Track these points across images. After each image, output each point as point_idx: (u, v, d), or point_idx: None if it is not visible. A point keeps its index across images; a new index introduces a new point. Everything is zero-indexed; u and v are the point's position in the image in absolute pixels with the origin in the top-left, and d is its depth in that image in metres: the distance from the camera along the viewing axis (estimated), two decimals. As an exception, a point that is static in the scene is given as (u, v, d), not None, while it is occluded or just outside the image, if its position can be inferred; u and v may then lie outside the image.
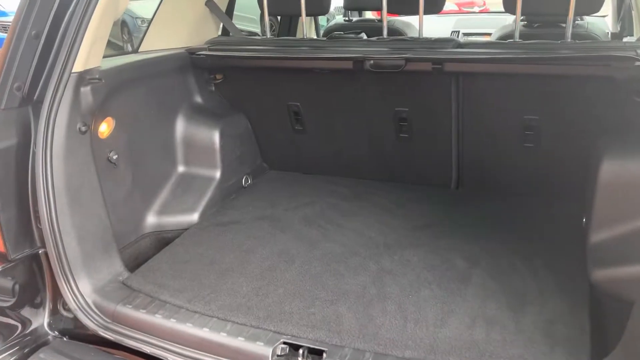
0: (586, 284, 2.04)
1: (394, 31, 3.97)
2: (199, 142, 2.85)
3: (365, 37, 2.90)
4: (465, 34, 5.70)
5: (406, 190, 3.00)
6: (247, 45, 2.87)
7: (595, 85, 2.35)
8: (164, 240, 2.64)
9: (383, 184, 3.09)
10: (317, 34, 4.66)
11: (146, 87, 2.58)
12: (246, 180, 3.13)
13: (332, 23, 4.29)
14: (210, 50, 2.82)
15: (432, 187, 3.02)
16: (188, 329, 1.90)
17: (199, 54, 2.80)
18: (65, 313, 2.11)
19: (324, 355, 1.74)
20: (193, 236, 2.55)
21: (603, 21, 4.06)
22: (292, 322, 1.91)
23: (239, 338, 1.83)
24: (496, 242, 2.39)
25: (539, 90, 2.47)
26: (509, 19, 5.61)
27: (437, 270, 2.20)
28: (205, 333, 1.87)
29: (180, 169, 2.85)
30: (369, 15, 5.38)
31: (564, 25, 3.42)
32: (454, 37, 5.67)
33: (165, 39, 2.92)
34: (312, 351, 1.78)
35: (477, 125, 2.70)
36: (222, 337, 1.85)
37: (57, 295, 2.11)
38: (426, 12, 2.62)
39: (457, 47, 2.53)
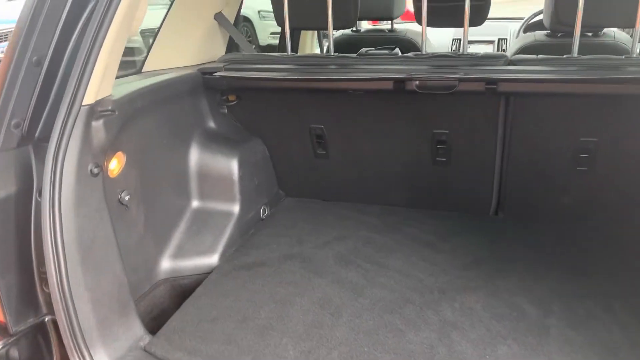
0: None
1: (406, 43, 3.71)
2: (216, 173, 2.53)
3: (399, 53, 2.63)
4: (468, 42, 5.48)
5: (441, 218, 2.74)
6: (266, 63, 2.56)
7: None
8: (180, 287, 2.32)
9: (414, 212, 2.82)
10: (321, 48, 4.37)
11: (157, 114, 2.25)
12: (264, 211, 2.82)
13: (338, 34, 4.00)
14: (226, 70, 2.50)
15: (470, 213, 2.77)
16: None
17: (215, 75, 2.48)
18: None
19: None
20: (217, 285, 2.23)
21: (624, 32, 3.87)
22: None
23: None
24: (560, 280, 2.15)
25: (599, 110, 2.24)
26: (510, 25, 5.43)
27: (507, 320, 1.93)
28: None
29: (195, 204, 2.52)
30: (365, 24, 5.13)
31: (589, 34, 3.23)
32: (455, 45, 5.47)
33: (171, 57, 2.60)
34: None
35: (525, 148, 2.45)
36: None
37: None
38: (471, 25, 2.37)
39: (507, 64, 2.28)
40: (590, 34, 3.22)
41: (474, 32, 5.73)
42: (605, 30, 3.29)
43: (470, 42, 5.61)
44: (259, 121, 2.79)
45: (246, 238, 2.60)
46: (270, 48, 11.37)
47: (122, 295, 1.88)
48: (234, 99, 2.73)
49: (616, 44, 3.20)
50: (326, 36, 4.76)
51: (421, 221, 2.72)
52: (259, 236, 2.63)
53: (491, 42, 5.46)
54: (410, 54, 2.43)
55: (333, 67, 2.46)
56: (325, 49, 2.52)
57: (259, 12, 11.84)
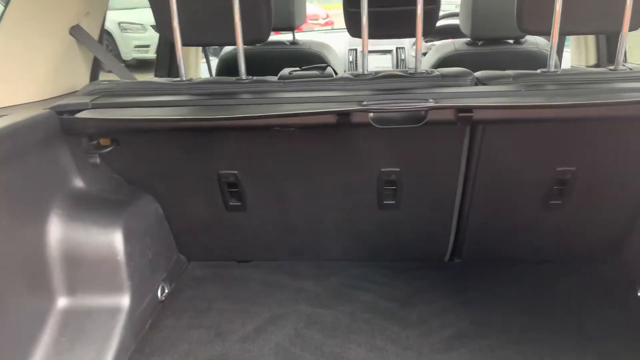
0: None
1: (313, 58, 3.16)
2: (91, 253, 1.77)
3: (333, 73, 2.05)
4: (369, 52, 5.09)
5: (393, 272, 2.22)
6: (151, 94, 1.83)
7: None
8: None
9: (358, 267, 2.27)
10: (209, 68, 3.67)
11: None
12: (163, 291, 2.08)
13: (227, 50, 3.32)
14: (95, 106, 1.74)
15: (425, 262, 2.28)
16: None
17: (79, 116, 1.71)
18: None
19: None
20: None
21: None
22: None
23: None
24: (559, 349, 1.72)
25: (580, 135, 1.84)
26: None
27: None
28: None
29: (62, 302, 1.74)
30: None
31: (510, 41, 2.92)
32: (352, 56, 5.03)
33: (8, 91, 1.79)
34: None
35: (491, 182, 2.00)
36: None
37: None
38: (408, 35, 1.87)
39: (475, 84, 1.80)
40: (512, 41, 2.92)
41: (373, 42, 5.37)
42: (528, 37, 3.00)
43: (373, 51, 5.22)
44: (147, 171, 2.05)
45: (143, 339, 1.86)
46: (139, 64, 10.29)
47: None
48: (109, 143, 1.97)
49: (540, 51, 2.91)
50: (215, 52, 4.03)
51: (371, 280, 2.18)
52: (160, 332, 1.90)
53: (388, 51, 5.11)
54: (348, 75, 1.86)
55: (247, 96, 1.81)
56: (213, 69, 1.84)
57: (119, 23, 10.73)
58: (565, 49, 3.75)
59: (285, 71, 1.94)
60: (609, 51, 3.44)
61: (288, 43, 3.30)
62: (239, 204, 2.12)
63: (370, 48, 5.12)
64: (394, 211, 2.11)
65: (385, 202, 2.07)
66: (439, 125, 1.73)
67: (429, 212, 2.13)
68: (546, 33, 1.83)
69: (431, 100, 1.60)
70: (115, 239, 1.79)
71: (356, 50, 5.01)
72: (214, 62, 3.60)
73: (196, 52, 3.61)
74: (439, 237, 2.22)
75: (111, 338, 1.72)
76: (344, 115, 1.69)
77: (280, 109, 1.65)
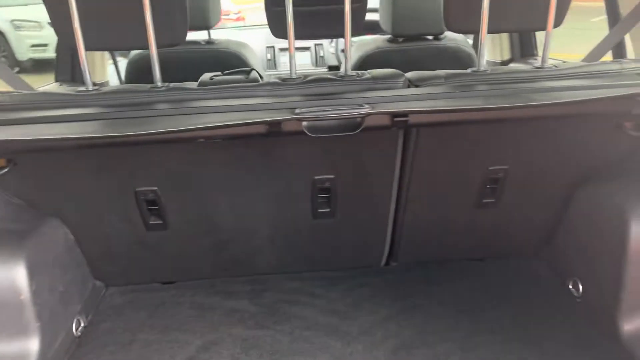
0: None
1: (232, 58, 2.98)
2: (-12, 295, 1.53)
3: (259, 78, 1.90)
4: (281, 49, 4.97)
5: (329, 283, 2.13)
6: (53, 108, 1.60)
7: (582, 121, 1.80)
8: None
9: (293, 281, 2.15)
10: (118, 73, 3.38)
11: None
12: (78, 325, 1.86)
13: (137, 52, 3.06)
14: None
15: (361, 269, 2.21)
16: None
17: None
18: None
19: None
20: None
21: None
22: None
23: None
24: (504, 348, 1.73)
25: (511, 134, 1.83)
26: None
27: None
28: None
29: (-44, 355, 1.49)
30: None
31: (430, 38, 2.92)
32: (270, 54, 4.90)
33: None
34: None
35: (427, 185, 1.95)
36: None
37: None
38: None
39: (407, 86, 1.73)
40: (431, 37, 2.92)
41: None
42: (447, 33, 3.02)
43: (282, 49, 5.09)
44: (52, 192, 1.81)
45: None
46: (36, 64, 9.52)
47: None
48: (4, 164, 1.71)
49: (458, 47, 2.93)
50: (124, 56, 3.73)
51: (308, 293, 2.07)
52: (78, 374, 1.69)
53: (306, 48, 5.01)
54: (275, 79, 1.73)
55: (164, 106, 1.63)
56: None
57: (12, 21, 9.89)
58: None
59: (206, 76, 1.78)
60: (521, 46, 3.54)
61: (203, 42, 3.10)
62: (160, 222, 1.94)
63: (284, 45, 5.00)
64: (328, 219, 2.02)
65: (319, 210, 1.97)
66: (373, 130, 1.65)
67: (364, 217, 2.06)
68: (474, 31, 1.80)
69: (366, 106, 1.51)
70: (17, 276, 1.55)
71: (274, 48, 4.87)
72: (122, 63, 3.33)
73: (102, 58, 3.32)
74: (374, 243, 2.15)
75: (20, 390, 1.49)
76: (275, 124, 1.56)
77: (204, 119, 1.49)
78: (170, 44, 1.76)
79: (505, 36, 3.50)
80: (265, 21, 2.01)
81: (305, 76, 1.74)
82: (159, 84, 1.69)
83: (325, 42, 4.97)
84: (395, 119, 1.59)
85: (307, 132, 1.52)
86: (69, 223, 1.86)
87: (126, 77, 2.92)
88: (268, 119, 1.48)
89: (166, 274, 2.15)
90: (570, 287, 2.01)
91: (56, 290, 1.72)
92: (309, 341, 1.80)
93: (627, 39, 2.29)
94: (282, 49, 4.96)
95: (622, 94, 1.54)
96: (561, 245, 2.10)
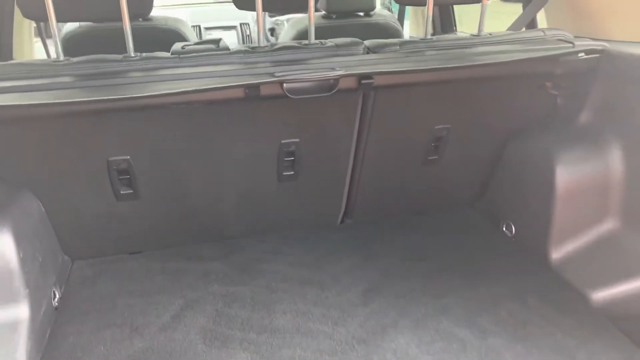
0: (590, 310, 1.80)
1: (172, 34, 3.01)
2: (-23, 265, 1.53)
3: (229, 47, 1.98)
4: (207, 28, 4.98)
5: (295, 241, 2.29)
6: (22, 78, 1.61)
7: (514, 82, 2.08)
8: None
9: (261, 242, 2.28)
10: (46, 50, 3.28)
11: None
12: (54, 296, 1.88)
13: (71, 29, 2.98)
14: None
15: (321, 228, 2.38)
16: None
17: None
18: None
19: None
20: None
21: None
22: None
23: None
24: (455, 285, 1.97)
25: (453, 95, 2.07)
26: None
27: (453, 355, 1.63)
28: None
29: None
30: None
31: (361, 14, 3.14)
32: (196, 31, 4.91)
33: None
34: None
35: (381, 144, 2.15)
36: None
37: None
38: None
39: (367, 53, 1.92)
40: (362, 13, 3.13)
41: (213, 17, 5.24)
42: (376, 10, 3.24)
43: (208, 28, 5.11)
44: (23, 164, 1.81)
45: (47, 350, 1.67)
46: None
47: None
48: None
49: (387, 23, 3.16)
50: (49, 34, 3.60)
51: (276, 251, 2.21)
52: (67, 339, 1.72)
53: (232, 27, 5.06)
54: (245, 47, 1.84)
55: (139, 74, 1.69)
56: (57, 50, 1.65)
57: None
58: (405, 21, 4.11)
59: (177, 46, 1.85)
60: (441, 22, 3.85)
61: (140, 20, 3.09)
62: (131, 192, 1.99)
63: (213, 24, 5.03)
64: (292, 182, 2.16)
65: (284, 173, 2.11)
66: (338, 93, 1.82)
67: (324, 179, 2.23)
68: (422, 4, 2.01)
69: (339, 69, 1.67)
70: (6, 245, 1.57)
71: (199, 26, 4.89)
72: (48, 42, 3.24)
73: (29, 29, 3.21)
74: (332, 202, 2.33)
75: (16, 353, 1.52)
76: (253, 88, 1.68)
77: (181, 85, 1.58)
78: (140, 14, 1.81)
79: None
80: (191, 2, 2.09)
81: (273, 45, 1.87)
82: (132, 53, 1.74)
83: (250, 21, 5.05)
84: (362, 82, 1.77)
85: (288, 94, 1.65)
86: (39, 196, 1.87)
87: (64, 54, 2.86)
88: (255, 82, 1.60)
89: (134, 244, 2.19)
90: (504, 229, 2.31)
91: (37, 260, 1.74)
92: (286, 291, 1.95)
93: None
94: (207, 28, 4.98)
95: (548, 54, 1.82)
96: (495, 194, 2.39)
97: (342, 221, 2.45)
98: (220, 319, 1.81)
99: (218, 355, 1.64)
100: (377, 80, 1.80)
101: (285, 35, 3.16)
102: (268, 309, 1.86)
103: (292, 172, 2.12)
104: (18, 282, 1.59)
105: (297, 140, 2.01)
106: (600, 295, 1.84)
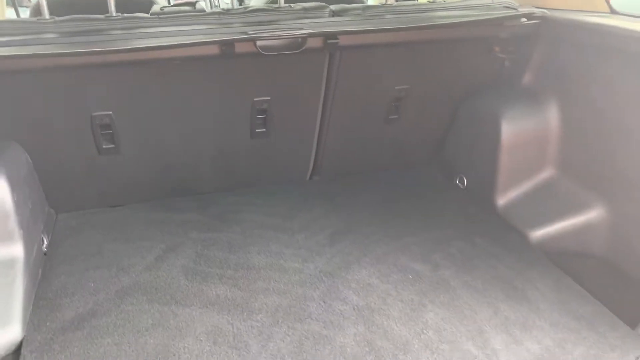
0: (529, 246, 2.05)
1: (144, 3, 3.11)
2: (-24, 206, 1.67)
3: (205, 8, 2.12)
4: None
5: (267, 195, 2.46)
6: (9, 34, 1.73)
7: (465, 46, 2.29)
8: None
9: (235, 196, 2.45)
10: (16, 10, 3.34)
11: None
12: (42, 242, 2.02)
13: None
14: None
15: (291, 184, 2.57)
16: None
17: None
18: None
19: None
20: (44, 366, 1.49)
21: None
22: None
23: None
24: (414, 229, 2.19)
25: (412, 57, 2.27)
26: None
27: (409, 285, 1.85)
28: None
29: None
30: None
31: None
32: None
33: None
34: None
35: (346, 104, 2.34)
36: None
37: None
38: None
39: (332, 16, 2.09)
40: None
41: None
42: None
43: None
44: (12, 118, 1.93)
45: (41, 287, 1.82)
46: None
47: None
48: None
49: None
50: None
51: (250, 203, 2.39)
52: (59, 278, 1.88)
53: None
54: (219, 9, 1.99)
55: (120, 32, 1.83)
56: (43, 9, 1.78)
57: None
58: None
59: (156, 8, 1.99)
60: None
61: None
62: (113, 146, 2.13)
63: None
64: (264, 139, 2.34)
65: (257, 130, 2.28)
66: (306, 53, 1.99)
67: (293, 136, 2.41)
68: None
69: (307, 29, 1.84)
70: (2, 187, 1.70)
71: None
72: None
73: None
74: (301, 159, 2.51)
75: (14, 287, 1.66)
76: (228, 45, 1.84)
77: (161, 42, 1.73)
78: None
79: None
80: None
81: (246, 7, 2.03)
82: (114, 13, 1.88)
83: None
84: (328, 41, 1.94)
85: (261, 51, 1.82)
86: (27, 148, 1.99)
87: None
88: (229, 38, 1.76)
89: (116, 197, 2.34)
90: (457, 182, 2.54)
91: (27, 206, 1.87)
92: (260, 236, 2.14)
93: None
94: None
95: (494, 17, 2.04)
96: (449, 151, 2.61)
97: (310, 177, 2.64)
98: (199, 259, 1.99)
99: (199, 288, 1.82)
100: (342, 41, 1.98)
101: (257, 1, 3.30)
102: (243, 250, 2.04)
103: (264, 130, 2.30)
104: (13, 223, 1.73)
105: (269, 98, 2.18)
106: (538, 233, 2.09)
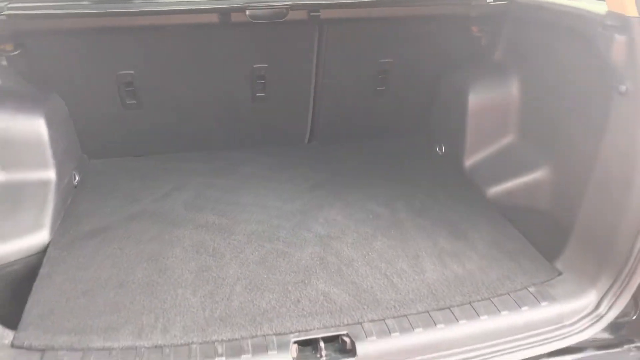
0: (484, 200, 2.32)
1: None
2: (19, 135, 2.10)
3: None
4: None
5: (266, 154, 2.82)
6: (57, 0, 2.17)
7: (443, 23, 2.57)
8: (10, 276, 1.91)
9: (238, 153, 2.83)
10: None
11: None
12: (73, 178, 2.46)
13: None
14: (11, 10, 2.04)
15: (291, 145, 2.92)
16: None
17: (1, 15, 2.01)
18: None
19: (347, 340, 1.55)
20: (63, 260, 1.90)
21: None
22: (283, 317, 1.64)
23: (243, 356, 1.49)
24: (387, 185, 2.48)
25: (394, 32, 2.58)
26: None
27: (369, 222, 2.17)
28: None
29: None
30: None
31: None
32: None
33: None
34: (330, 339, 1.57)
35: (335, 75, 2.67)
36: None
37: None
38: None
39: None
40: None
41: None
42: None
43: None
44: (53, 72, 2.37)
45: (69, 208, 2.25)
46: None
47: None
48: (11, 48, 2.26)
49: None
50: None
51: (249, 159, 2.75)
52: (83, 203, 2.30)
53: None
54: None
55: (140, 2, 2.24)
56: None
57: None
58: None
59: None
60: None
61: None
62: (135, 102, 2.54)
63: None
64: (263, 103, 2.70)
65: (257, 94, 2.65)
66: (295, 25, 2.34)
67: (291, 102, 2.76)
68: None
69: (290, 2, 2.19)
70: (39, 124, 2.14)
71: None
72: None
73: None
74: (299, 123, 2.86)
75: (46, 203, 2.09)
76: (225, 14, 2.22)
77: (174, 7, 2.13)
78: None
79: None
80: None
81: None
82: None
83: None
84: (311, 14, 2.29)
85: (250, 19, 2.18)
86: (65, 98, 2.43)
87: None
88: (224, 7, 2.14)
89: (137, 148, 2.76)
90: (437, 150, 2.82)
91: (62, 144, 2.30)
92: (252, 183, 2.50)
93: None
94: None
95: None
96: (431, 122, 2.90)
97: (309, 141, 2.98)
98: (199, 197, 2.37)
99: (194, 216, 2.20)
100: (324, 14, 2.32)
101: None
102: (236, 192, 2.41)
103: (264, 94, 2.66)
104: (48, 153, 2.16)
105: (266, 65, 2.54)
106: (494, 190, 2.36)
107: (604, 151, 1.77)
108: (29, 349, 1.50)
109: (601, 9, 1.83)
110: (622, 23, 1.66)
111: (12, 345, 1.51)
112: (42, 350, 1.49)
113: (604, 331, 1.72)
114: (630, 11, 1.60)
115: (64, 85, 2.41)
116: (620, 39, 1.67)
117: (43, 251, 1.97)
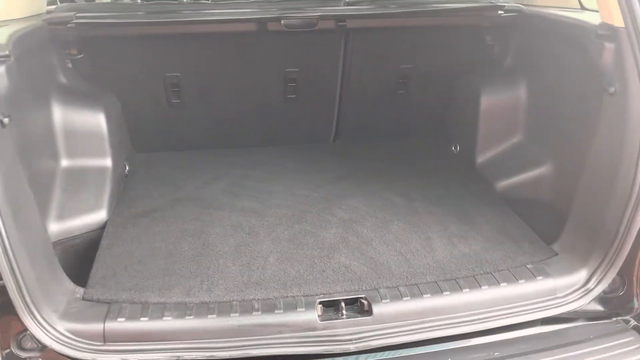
0: (492, 192, 2.55)
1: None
2: (83, 128, 2.42)
3: None
4: None
5: (295, 150, 3.10)
6: (114, 11, 2.50)
7: (458, 33, 2.82)
8: (72, 249, 2.21)
9: (271, 149, 3.11)
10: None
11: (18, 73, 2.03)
12: (124, 168, 2.77)
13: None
14: (79, 19, 2.37)
15: (318, 143, 3.19)
16: (214, 320, 1.72)
17: (68, 24, 2.34)
18: (23, 354, 1.67)
19: (365, 302, 1.80)
20: (120, 235, 2.20)
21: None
22: (310, 283, 1.90)
23: (276, 311, 1.76)
24: (404, 179, 2.73)
25: (414, 41, 2.84)
26: None
27: (386, 209, 2.42)
28: (236, 319, 1.73)
29: (65, 163, 2.37)
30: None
31: None
32: None
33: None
34: (350, 301, 1.83)
35: (360, 79, 2.94)
36: (257, 318, 1.74)
37: (7, 335, 1.64)
38: None
39: (347, 5, 2.71)
40: None
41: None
42: None
43: None
44: (109, 76, 2.70)
45: (122, 193, 2.56)
46: None
47: (48, 250, 1.80)
48: (76, 52, 2.60)
49: None
50: None
51: (281, 155, 3.04)
52: (133, 190, 2.61)
53: None
54: None
55: (187, 12, 2.55)
56: None
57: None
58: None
59: None
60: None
61: None
62: (179, 101, 2.85)
63: None
64: (294, 104, 2.99)
65: (288, 96, 2.93)
66: (324, 33, 2.62)
67: (319, 103, 3.04)
68: None
69: (320, 13, 2.48)
70: (100, 118, 2.46)
71: None
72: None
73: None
74: (326, 123, 3.14)
75: (104, 187, 2.40)
76: (262, 23, 2.51)
77: (226, 16, 2.45)
78: None
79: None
80: None
81: None
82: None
83: None
84: (338, 24, 2.57)
85: (285, 28, 2.47)
86: (119, 97, 2.76)
87: None
88: (262, 17, 2.44)
89: (181, 143, 3.07)
90: (453, 148, 3.06)
91: (117, 137, 2.62)
92: (283, 175, 2.78)
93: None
94: None
95: (471, 6, 2.58)
96: (448, 123, 3.14)
97: (334, 140, 3.26)
98: (235, 185, 2.66)
99: (231, 201, 2.49)
100: (350, 24, 2.60)
101: None
102: (268, 182, 2.69)
103: (295, 96, 2.94)
104: (106, 144, 2.47)
105: (297, 70, 2.83)
106: (502, 184, 2.59)
107: (595, 145, 1.99)
108: (97, 301, 1.80)
109: (596, 20, 2.06)
110: (611, 32, 1.89)
111: (83, 298, 1.81)
112: (108, 303, 1.78)
113: (595, 304, 1.93)
114: (617, 22, 1.83)
115: (118, 85, 2.74)
116: (609, 46, 1.90)
117: (101, 228, 2.27)
